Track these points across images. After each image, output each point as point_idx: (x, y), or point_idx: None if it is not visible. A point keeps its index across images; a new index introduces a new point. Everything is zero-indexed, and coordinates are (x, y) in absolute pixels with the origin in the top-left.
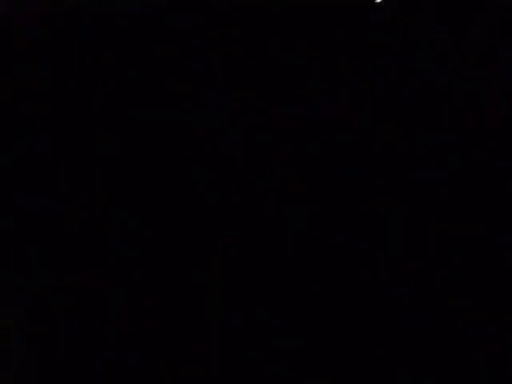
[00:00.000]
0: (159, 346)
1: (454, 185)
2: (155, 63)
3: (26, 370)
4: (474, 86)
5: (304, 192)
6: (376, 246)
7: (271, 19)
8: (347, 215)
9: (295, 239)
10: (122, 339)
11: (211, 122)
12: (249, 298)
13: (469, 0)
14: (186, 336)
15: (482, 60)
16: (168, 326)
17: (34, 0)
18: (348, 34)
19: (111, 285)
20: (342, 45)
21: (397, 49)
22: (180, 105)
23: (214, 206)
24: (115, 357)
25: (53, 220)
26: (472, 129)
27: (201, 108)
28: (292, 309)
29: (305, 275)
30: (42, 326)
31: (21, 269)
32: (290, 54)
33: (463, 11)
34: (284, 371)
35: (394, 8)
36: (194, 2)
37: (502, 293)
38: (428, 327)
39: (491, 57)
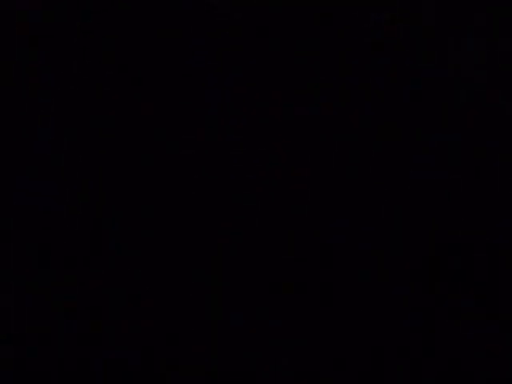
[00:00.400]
0: (159, 346)
1: (454, 185)
2: (156, 63)
3: (26, 369)
4: (473, 86)
5: (304, 191)
6: (376, 246)
7: (271, 19)
8: (347, 215)
9: (295, 239)
10: (122, 339)
11: (211, 122)
12: (249, 298)
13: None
14: (186, 336)
15: (482, 60)
16: (168, 326)
17: None
18: (348, 34)
19: (111, 285)
20: (342, 45)
21: (397, 49)
22: (180, 104)
23: (213, 205)
24: (115, 357)
25: (53, 220)
26: (472, 129)
27: (201, 108)
28: (292, 309)
29: (305, 275)
30: (41, 326)
31: (21, 269)
32: (289, 53)
33: (464, 11)
34: (284, 371)
35: (394, 8)
36: (194, 1)
37: (502, 293)
38: (428, 327)
39: (491, 56)
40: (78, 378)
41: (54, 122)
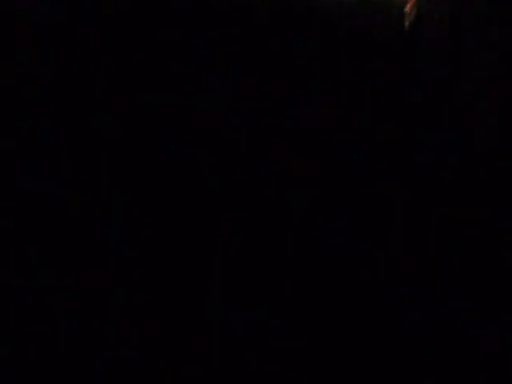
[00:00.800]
0: (159, 346)
1: (455, 185)
2: (156, 63)
3: (26, 369)
4: (473, 86)
5: (304, 191)
6: (376, 246)
7: (271, 19)
8: (347, 215)
9: (295, 239)
10: (122, 339)
11: (211, 121)
12: (249, 298)
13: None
14: (186, 336)
15: (482, 60)
16: (168, 326)
17: None
18: (347, 34)
19: (111, 285)
20: (343, 45)
21: (397, 49)
22: (180, 104)
23: (213, 205)
24: (115, 357)
25: (53, 220)
26: (472, 129)
27: (201, 107)
28: (292, 309)
29: (305, 275)
30: (41, 326)
31: (21, 269)
32: (289, 53)
33: (464, 11)
34: (284, 371)
35: (396, 11)
36: (194, 1)
37: (502, 293)
38: (428, 327)
39: (491, 56)
40: (78, 378)
41: (54, 121)
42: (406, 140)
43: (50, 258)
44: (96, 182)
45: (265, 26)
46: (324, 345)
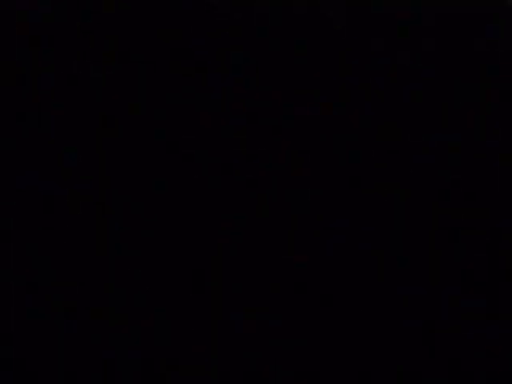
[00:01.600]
0: (159, 346)
1: (455, 185)
2: (155, 63)
3: (26, 369)
4: (473, 86)
5: (304, 191)
6: (376, 246)
7: (271, 19)
8: (347, 215)
9: (295, 239)
10: (122, 339)
11: (211, 122)
12: (249, 298)
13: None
14: (186, 336)
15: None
16: (168, 325)
17: None
18: (347, 34)
19: (111, 285)
20: (343, 44)
21: (397, 49)
22: (179, 105)
23: (213, 205)
24: (115, 357)
25: (53, 220)
26: (472, 129)
27: (201, 108)
28: (292, 309)
29: (305, 275)
30: (41, 326)
31: (21, 269)
32: (290, 53)
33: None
34: (284, 371)
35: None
36: (194, 1)
37: (502, 293)
38: (428, 327)
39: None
40: (78, 377)
41: (54, 121)
42: (406, 140)
43: (49, 258)
44: (96, 181)
45: (265, 26)
46: (324, 345)
